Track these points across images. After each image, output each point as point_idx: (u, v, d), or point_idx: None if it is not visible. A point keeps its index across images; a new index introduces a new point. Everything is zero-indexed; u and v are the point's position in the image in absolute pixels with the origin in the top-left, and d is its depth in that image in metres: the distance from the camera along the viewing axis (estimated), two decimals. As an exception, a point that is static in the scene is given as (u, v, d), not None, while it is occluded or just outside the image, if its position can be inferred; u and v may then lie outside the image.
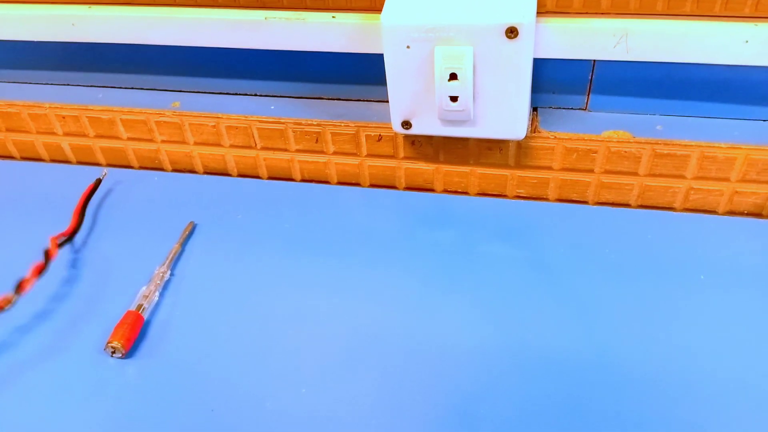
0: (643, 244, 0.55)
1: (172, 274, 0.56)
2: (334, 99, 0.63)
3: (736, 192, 0.56)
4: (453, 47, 0.50)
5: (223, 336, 0.51)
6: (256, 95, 0.65)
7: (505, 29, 0.48)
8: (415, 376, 0.47)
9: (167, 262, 0.56)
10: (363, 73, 0.61)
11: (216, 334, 0.51)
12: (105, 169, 0.66)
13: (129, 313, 0.51)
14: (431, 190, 0.64)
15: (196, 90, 0.66)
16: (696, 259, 0.54)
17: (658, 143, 0.54)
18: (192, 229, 0.60)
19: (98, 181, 0.63)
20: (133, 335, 0.50)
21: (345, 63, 0.60)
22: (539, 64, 0.55)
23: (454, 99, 0.52)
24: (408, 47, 0.51)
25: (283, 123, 0.62)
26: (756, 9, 0.48)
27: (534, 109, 0.59)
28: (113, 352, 0.49)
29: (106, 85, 0.68)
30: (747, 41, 0.48)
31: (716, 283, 0.52)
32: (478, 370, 0.47)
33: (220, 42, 0.58)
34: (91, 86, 0.68)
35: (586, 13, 0.51)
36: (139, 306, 0.52)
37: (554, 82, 0.57)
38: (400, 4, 0.51)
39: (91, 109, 0.65)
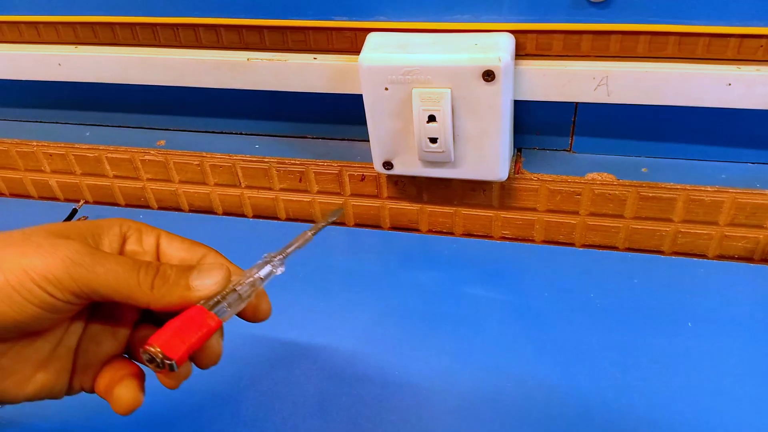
0: (629, 289, 0.54)
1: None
2: (317, 138, 0.63)
3: (726, 236, 0.54)
4: (431, 89, 0.49)
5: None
6: (241, 134, 0.65)
7: (481, 72, 0.47)
8: (388, 418, 0.46)
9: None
10: (346, 112, 0.60)
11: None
12: (82, 200, 0.65)
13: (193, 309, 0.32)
14: (416, 230, 0.63)
15: (181, 128, 0.66)
16: (684, 304, 0.52)
17: (642, 186, 0.53)
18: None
19: (74, 211, 0.63)
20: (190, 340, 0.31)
21: (328, 102, 0.59)
22: (521, 105, 0.54)
23: (433, 140, 0.52)
24: (386, 89, 0.51)
25: (266, 162, 0.61)
26: (738, 52, 0.47)
27: (518, 150, 0.58)
28: (152, 361, 0.31)
29: (93, 123, 0.68)
30: (730, 84, 0.48)
31: (704, 331, 0.50)
32: (455, 416, 0.46)
33: (204, 82, 0.58)
34: (79, 124, 0.69)
35: (566, 55, 0.50)
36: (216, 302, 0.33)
37: (537, 124, 0.57)
38: (378, 45, 0.51)
39: (78, 147, 0.66)
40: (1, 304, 0.28)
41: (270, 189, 0.64)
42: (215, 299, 0.32)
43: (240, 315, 0.34)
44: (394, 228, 0.63)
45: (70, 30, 0.59)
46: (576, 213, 0.57)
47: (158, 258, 0.35)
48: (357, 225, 0.64)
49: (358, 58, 0.50)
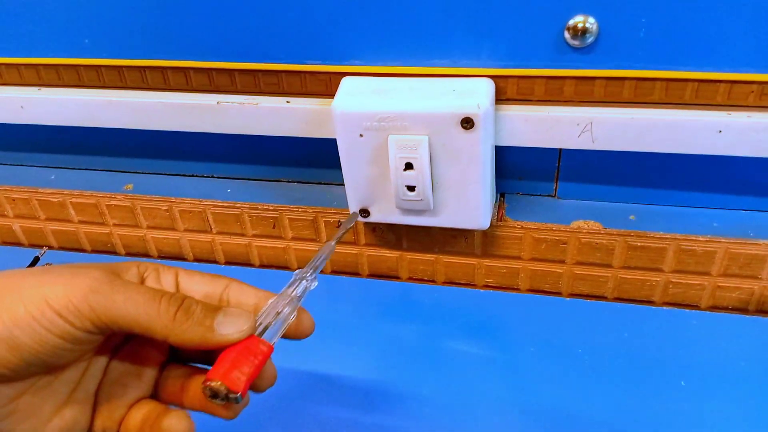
0: (619, 344, 0.51)
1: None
2: (292, 182, 0.61)
3: (719, 286, 0.52)
4: (407, 136, 0.47)
5: None
6: (212, 177, 0.62)
7: (459, 119, 0.45)
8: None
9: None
10: (321, 155, 0.58)
11: None
12: (44, 248, 0.62)
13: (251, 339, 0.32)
14: (396, 277, 0.60)
15: (150, 171, 0.63)
16: (677, 360, 0.49)
17: (630, 235, 0.51)
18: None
19: (36, 259, 0.60)
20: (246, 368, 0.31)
21: (303, 145, 0.57)
22: (504, 150, 0.52)
23: (411, 188, 0.49)
24: (361, 135, 0.48)
25: (238, 207, 0.59)
26: (728, 97, 0.45)
27: (501, 195, 0.56)
28: (215, 396, 0.31)
29: (58, 166, 0.65)
30: (720, 131, 0.45)
31: (698, 389, 0.47)
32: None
33: (172, 126, 0.55)
34: (44, 167, 0.66)
35: (549, 100, 0.48)
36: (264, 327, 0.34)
37: (520, 169, 0.54)
38: (352, 90, 0.48)
39: (41, 192, 0.63)
40: (22, 335, 0.28)
41: (243, 235, 0.61)
42: (262, 325, 0.32)
43: (284, 335, 0.34)
44: (372, 275, 0.60)
45: (33, 71, 0.56)
46: (562, 262, 0.54)
47: None
48: (334, 272, 0.61)
49: (331, 104, 0.48)
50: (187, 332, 0.30)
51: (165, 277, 0.34)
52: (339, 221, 0.57)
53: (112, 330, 0.30)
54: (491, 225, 0.53)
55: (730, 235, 0.50)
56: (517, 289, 0.57)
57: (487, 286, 0.58)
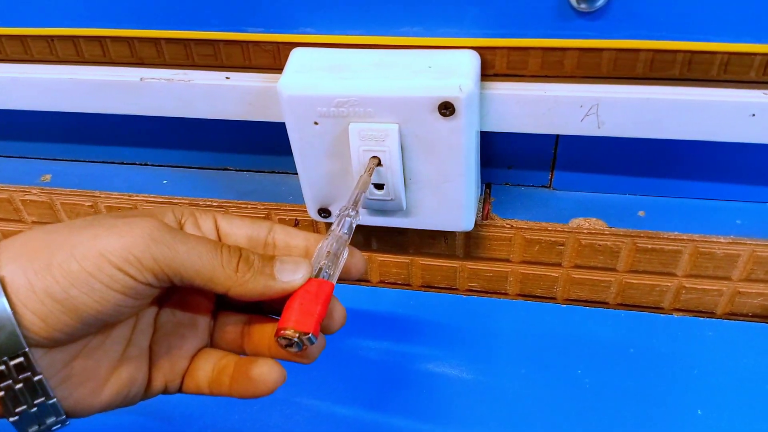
0: (624, 362, 0.44)
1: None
2: (241, 171, 0.51)
3: (739, 292, 0.45)
4: (372, 125, 0.38)
5: None
6: (145, 164, 0.53)
7: (437, 105, 0.36)
8: None
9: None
10: (275, 139, 0.48)
11: None
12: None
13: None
14: (365, 281, 0.52)
15: (71, 159, 0.53)
16: (691, 383, 0.42)
17: (640, 236, 0.43)
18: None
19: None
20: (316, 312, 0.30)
21: (252, 127, 0.47)
22: (490, 134, 0.43)
23: (379, 186, 0.41)
24: (316, 123, 0.39)
25: (176, 203, 0.49)
26: (765, 72, 0.37)
27: (487, 186, 0.48)
28: (290, 344, 0.29)
29: (-40, 154, 0.55)
30: (754, 114, 0.37)
31: (717, 418, 0.40)
32: None
33: (85, 107, 0.45)
34: (-56, 154, 0.56)
35: (546, 76, 0.39)
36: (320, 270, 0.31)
37: (510, 156, 0.46)
38: (304, 66, 0.39)
39: (-59, 185, 0.53)
40: (80, 294, 0.26)
41: (185, 233, 0.52)
42: (317, 267, 0.31)
43: (341, 276, 0.33)
44: (339, 280, 0.52)
45: None
46: (558, 265, 0.46)
47: (220, 240, 0.33)
48: (293, 274, 0.53)
49: (277, 83, 0.39)
50: (249, 282, 0.29)
51: (204, 223, 0.32)
52: (296, 219, 0.49)
53: (172, 282, 0.28)
54: (475, 224, 0.44)
55: (757, 235, 0.42)
56: (506, 294, 0.49)
57: (470, 291, 0.50)
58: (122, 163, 0.53)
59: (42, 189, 0.51)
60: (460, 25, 0.37)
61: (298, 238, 0.33)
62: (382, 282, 0.51)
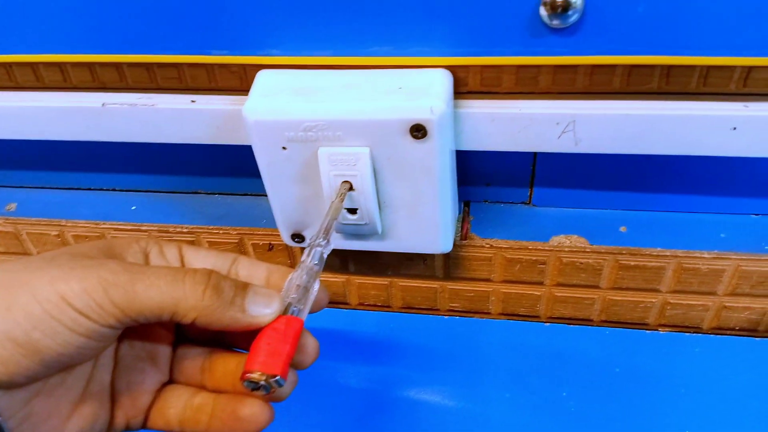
0: (610, 383, 0.42)
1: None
2: (212, 194, 0.50)
3: (725, 306, 0.44)
4: (343, 149, 0.37)
5: None
6: (113, 190, 0.51)
7: (408, 127, 0.35)
8: None
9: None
10: (246, 161, 0.47)
11: None
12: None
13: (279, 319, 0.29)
14: (344, 303, 0.50)
15: (37, 186, 0.52)
16: (679, 404, 0.41)
17: (622, 252, 0.42)
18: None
19: None
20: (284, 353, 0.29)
21: (223, 150, 0.46)
22: (467, 152, 0.41)
23: (352, 211, 0.39)
24: (284, 148, 0.38)
25: (145, 230, 0.48)
26: (745, 84, 0.36)
27: (465, 204, 0.46)
28: (257, 388, 0.28)
29: None
30: (735, 128, 0.36)
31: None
32: None
33: (46, 134, 0.44)
34: None
35: (521, 93, 0.38)
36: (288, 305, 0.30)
37: (488, 174, 0.45)
38: (270, 90, 0.37)
39: None
40: (43, 337, 0.25)
41: (156, 260, 0.50)
42: (287, 302, 0.30)
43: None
44: (316, 302, 0.51)
45: None
46: (540, 284, 0.45)
47: None
48: (270, 298, 0.51)
49: (243, 108, 0.37)
50: (216, 313, 0.27)
51: (169, 252, 0.32)
52: (270, 244, 0.47)
53: (137, 321, 0.27)
54: (454, 245, 0.43)
55: (741, 249, 0.41)
56: (488, 314, 0.48)
57: (452, 311, 0.49)
58: (89, 189, 0.51)
59: (7, 219, 0.49)
60: (431, 44, 0.36)
61: (260, 270, 0.32)
62: (361, 304, 0.50)
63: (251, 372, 0.27)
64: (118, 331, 0.27)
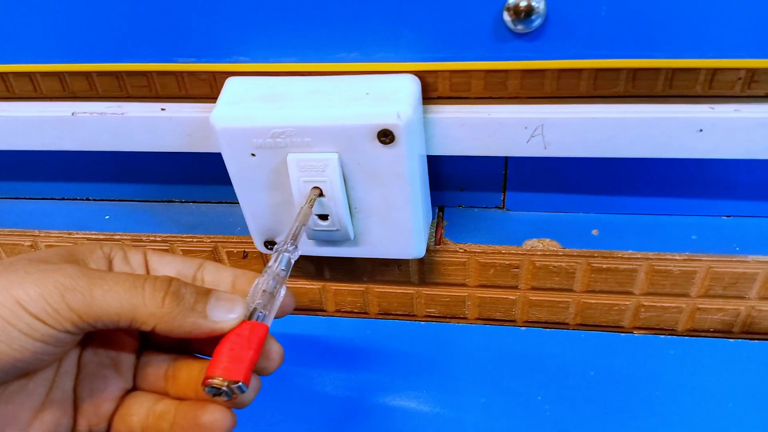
0: (585, 386, 0.42)
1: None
2: (186, 202, 0.50)
3: (699, 308, 0.44)
4: (311, 155, 0.37)
5: None
6: (87, 200, 0.51)
7: (376, 132, 0.35)
8: None
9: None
10: (220, 168, 0.47)
11: None
12: None
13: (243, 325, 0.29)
14: (321, 310, 0.50)
15: (9, 196, 0.51)
16: (656, 407, 0.41)
17: (594, 255, 0.42)
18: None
19: None
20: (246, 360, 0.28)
21: (195, 157, 0.46)
22: (440, 157, 0.42)
23: (323, 217, 0.39)
24: (253, 155, 0.38)
25: (117, 239, 0.47)
26: (710, 86, 0.36)
27: (439, 209, 0.46)
28: (219, 393, 0.28)
29: None
30: (701, 130, 0.36)
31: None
32: None
33: (17, 144, 0.43)
34: None
35: (490, 98, 0.38)
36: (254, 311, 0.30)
37: (460, 179, 0.45)
38: (238, 96, 0.37)
39: None
40: None
41: (131, 269, 0.50)
42: (252, 306, 0.30)
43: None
44: (294, 310, 0.50)
45: None
46: (515, 288, 0.45)
47: None
48: (247, 306, 0.51)
49: (210, 115, 0.37)
50: (176, 319, 0.27)
51: (133, 258, 0.32)
52: (244, 251, 0.47)
53: (95, 327, 0.27)
54: (428, 250, 0.43)
55: (712, 251, 0.41)
56: (465, 319, 0.48)
57: (429, 317, 0.49)
58: (63, 199, 0.51)
59: (-22, 230, 0.49)
60: (398, 50, 0.36)
61: (225, 275, 0.32)
62: (338, 311, 0.50)
63: (212, 377, 0.27)
64: (76, 336, 0.27)
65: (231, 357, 0.28)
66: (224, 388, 0.27)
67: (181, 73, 0.40)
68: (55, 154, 0.46)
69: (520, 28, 0.34)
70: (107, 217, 0.49)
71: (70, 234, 0.48)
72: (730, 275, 0.41)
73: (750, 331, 0.45)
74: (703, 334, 0.45)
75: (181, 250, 0.47)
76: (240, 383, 0.27)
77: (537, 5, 0.33)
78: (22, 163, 0.49)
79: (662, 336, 0.45)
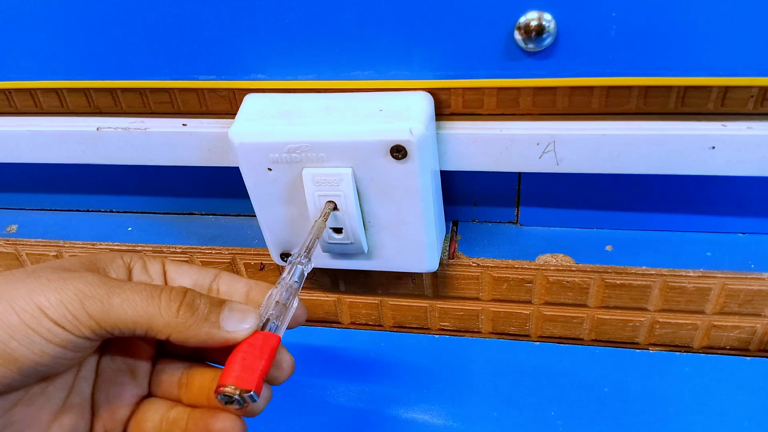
0: (598, 402, 0.42)
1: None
2: (206, 215, 0.51)
3: (714, 325, 0.44)
4: (326, 169, 0.37)
5: None
6: (110, 212, 0.52)
7: (389, 148, 0.36)
8: None
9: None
10: (239, 182, 0.48)
11: None
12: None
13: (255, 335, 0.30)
14: (336, 322, 0.51)
15: (37, 208, 0.53)
16: (667, 418, 0.41)
17: (607, 271, 0.42)
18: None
19: None
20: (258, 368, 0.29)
21: (215, 172, 0.47)
22: (453, 172, 0.42)
23: (337, 230, 0.40)
24: (270, 169, 0.38)
25: (139, 251, 0.49)
26: (723, 104, 0.36)
27: (453, 224, 0.47)
28: (231, 401, 0.28)
29: (-73, 206, 0.55)
30: (713, 147, 0.37)
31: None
32: None
33: (43, 158, 0.45)
34: None
35: (502, 114, 0.39)
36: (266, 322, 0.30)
37: (474, 194, 0.45)
38: (255, 113, 0.38)
39: None
40: (20, 346, 0.26)
41: (152, 280, 0.51)
42: (265, 317, 0.30)
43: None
44: (309, 322, 0.51)
45: None
46: (529, 302, 0.45)
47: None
48: (264, 317, 0.52)
49: (229, 131, 0.38)
50: (191, 329, 0.28)
51: (152, 267, 0.32)
52: (261, 263, 0.48)
53: (112, 334, 0.28)
54: (442, 264, 0.44)
55: (727, 268, 0.41)
56: (479, 332, 0.48)
57: (442, 330, 0.49)
58: (87, 211, 0.52)
59: (7, 240, 0.50)
60: (411, 68, 0.37)
61: (240, 285, 0.33)
62: (353, 323, 0.50)
63: (225, 386, 0.28)
64: (94, 342, 0.28)
65: (243, 366, 0.28)
66: (236, 397, 0.28)
67: (202, 89, 0.41)
68: (80, 168, 0.48)
69: (531, 46, 0.34)
70: (130, 228, 0.50)
71: (93, 245, 0.49)
72: (745, 292, 0.41)
73: (767, 349, 0.44)
74: (719, 351, 0.45)
75: (200, 261, 0.48)
76: (252, 392, 0.28)
77: (547, 24, 0.33)
78: (48, 176, 0.51)
79: (677, 353, 0.45)
